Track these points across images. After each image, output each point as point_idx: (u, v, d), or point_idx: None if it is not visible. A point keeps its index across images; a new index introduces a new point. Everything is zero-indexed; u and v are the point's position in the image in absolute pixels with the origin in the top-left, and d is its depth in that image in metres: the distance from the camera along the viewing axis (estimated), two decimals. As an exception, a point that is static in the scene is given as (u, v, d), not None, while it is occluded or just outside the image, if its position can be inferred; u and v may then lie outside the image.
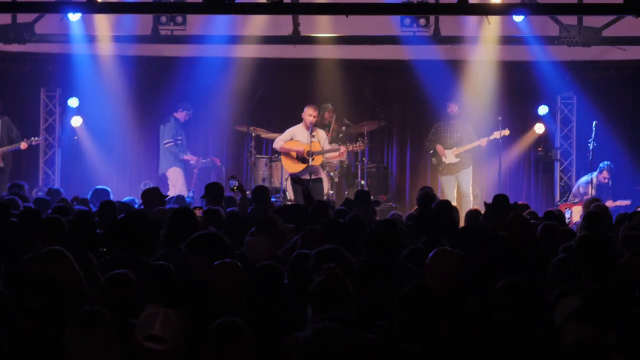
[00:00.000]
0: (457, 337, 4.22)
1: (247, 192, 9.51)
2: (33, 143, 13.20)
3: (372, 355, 3.83)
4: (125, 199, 10.36)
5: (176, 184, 13.29)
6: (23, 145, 13.04)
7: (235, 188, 9.00)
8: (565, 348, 3.71)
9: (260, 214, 7.91)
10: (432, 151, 13.25)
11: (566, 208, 12.53)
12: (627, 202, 12.83)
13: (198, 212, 7.37)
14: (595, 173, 12.93)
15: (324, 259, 4.99)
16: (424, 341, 4.02)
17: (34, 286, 4.14)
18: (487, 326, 4.36)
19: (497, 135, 12.98)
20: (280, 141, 12.45)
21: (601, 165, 13.01)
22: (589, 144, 12.87)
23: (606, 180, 13.02)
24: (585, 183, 13.02)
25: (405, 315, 4.08)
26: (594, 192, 12.63)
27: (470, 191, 13.05)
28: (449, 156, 13.05)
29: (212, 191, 8.83)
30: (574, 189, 13.30)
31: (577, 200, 12.86)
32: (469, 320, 4.45)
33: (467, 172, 13.10)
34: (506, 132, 13.01)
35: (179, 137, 13.58)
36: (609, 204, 12.26)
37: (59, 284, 4.23)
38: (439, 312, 4.10)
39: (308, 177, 11.98)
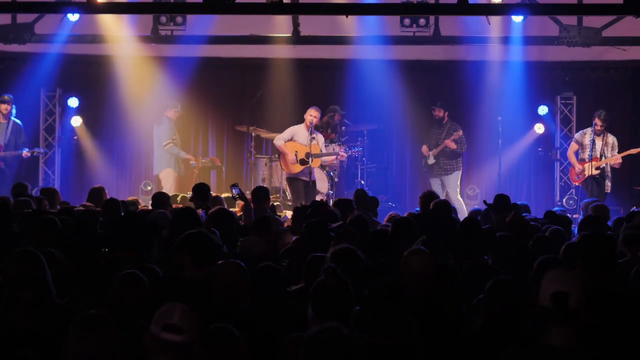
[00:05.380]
0: (436, 335, 4.21)
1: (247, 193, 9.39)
2: (34, 154, 13.30)
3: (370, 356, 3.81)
4: None
5: (166, 186, 13.22)
6: (25, 153, 13.07)
7: (237, 196, 8.87)
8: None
9: (260, 214, 7.89)
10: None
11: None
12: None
13: (199, 212, 7.36)
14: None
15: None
16: (393, 336, 3.98)
17: (24, 279, 4.13)
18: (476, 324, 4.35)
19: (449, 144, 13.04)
20: (281, 140, 12.33)
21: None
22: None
23: (600, 127, 12.49)
24: (580, 134, 12.85)
25: (375, 308, 4.08)
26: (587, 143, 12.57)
27: (459, 197, 13.01)
28: (430, 158, 13.14)
29: (198, 192, 8.69)
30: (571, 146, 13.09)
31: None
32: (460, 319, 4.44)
33: (451, 177, 13.12)
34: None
35: (174, 137, 13.55)
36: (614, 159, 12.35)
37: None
38: (409, 308, 4.09)
39: (306, 179, 11.96)
